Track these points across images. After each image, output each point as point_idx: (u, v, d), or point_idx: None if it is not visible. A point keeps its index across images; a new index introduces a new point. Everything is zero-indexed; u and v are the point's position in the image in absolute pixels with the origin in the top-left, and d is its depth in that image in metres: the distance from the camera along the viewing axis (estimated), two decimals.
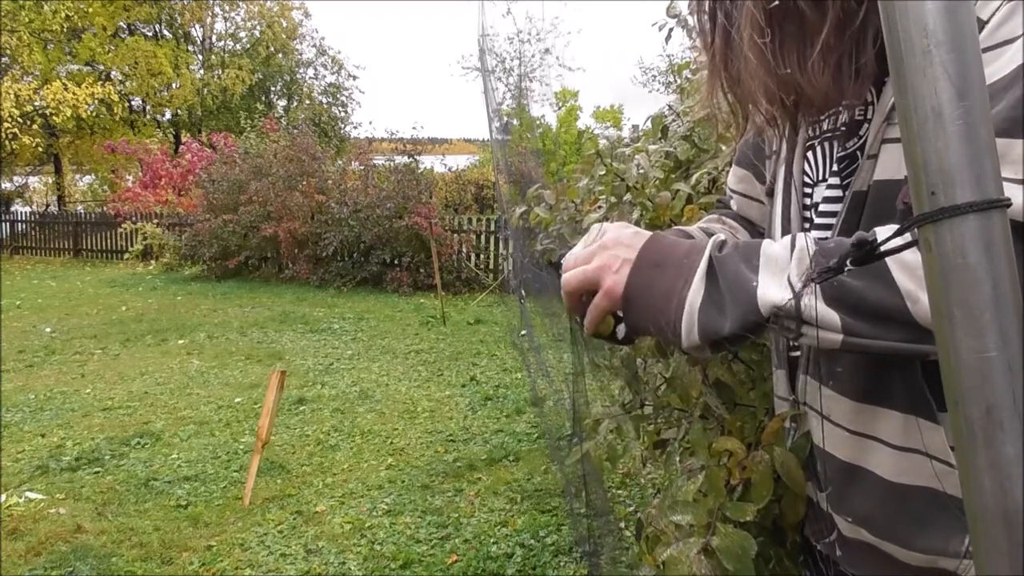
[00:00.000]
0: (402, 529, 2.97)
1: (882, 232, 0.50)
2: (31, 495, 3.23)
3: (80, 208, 17.62)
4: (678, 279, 0.64)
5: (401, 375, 5.32)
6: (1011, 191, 0.51)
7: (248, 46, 22.24)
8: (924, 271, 0.38)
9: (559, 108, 21.68)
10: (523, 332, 6.00)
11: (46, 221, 14.48)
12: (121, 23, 18.64)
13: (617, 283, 0.68)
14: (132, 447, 3.86)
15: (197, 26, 21.38)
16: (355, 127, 22.83)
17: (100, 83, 15.71)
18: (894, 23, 0.37)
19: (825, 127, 0.74)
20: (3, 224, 14.65)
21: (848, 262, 0.52)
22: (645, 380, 1.20)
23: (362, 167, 10.40)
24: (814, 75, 0.63)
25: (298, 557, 2.76)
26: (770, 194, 0.83)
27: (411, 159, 10.01)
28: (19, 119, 14.36)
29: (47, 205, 18.54)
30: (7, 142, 14.66)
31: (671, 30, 1.81)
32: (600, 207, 1.47)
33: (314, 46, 23.72)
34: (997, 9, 0.57)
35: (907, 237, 0.40)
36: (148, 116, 20.52)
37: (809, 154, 0.76)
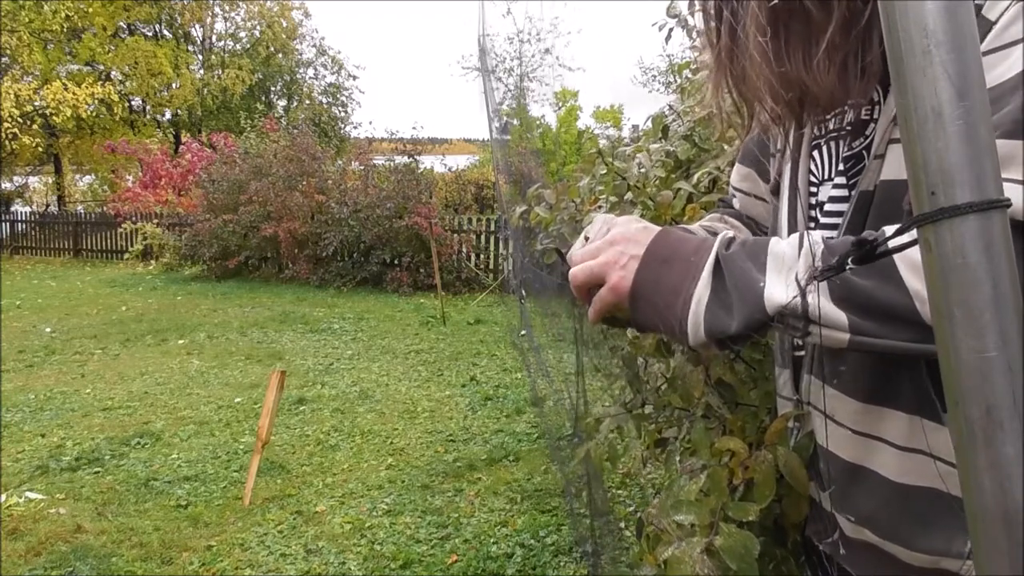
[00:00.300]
0: (402, 529, 2.97)
1: (887, 232, 0.50)
2: (31, 495, 3.23)
3: (80, 208, 17.62)
4: (685, 277, 0.64)
5: (401, 375, 5.32)
6: (1012, 191, 0.51)
7: (248, 46, 22.24)
8: (924, 271, 0.38)
9: (559, 108, 21.70)
10: (523, 332, 6.00)
11: (46, 221, 14.48)
12: (121, 23, 18.64)
13: (624, 279, 0.68)
14: (132, 447, 3.86)
15: (197, 26, 21.38)
16: (355, 127, 22.86)
17: (100, 83, 15.70)
18: (894, 23, 0.37)
19: (831, 126, 0.74)
20: (3, 224, 14.65)
21: (849, 261, 0.52)
22: (646, 379, 1.20)
23: (362, 167, 10.40)
24: (819, 74, 0.63)
25: (298, 557, 2.76)
26: (775, 193, 0.83)
27: (411, 159, 10.01)
28: (19, 119, 14.36)
29: (47, 205, 18.54)
30: (7, 142, 14.65)
31: (671, 30, 1.81)
32: (600, 206, 1.47)
33: (314, 46, 23.75)
34: (1005, 10, 0.56)
35: (908, 236, 0.40)
36: (148, 116, 20.52)
37: (815, 153, 0.76)
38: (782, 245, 0.62)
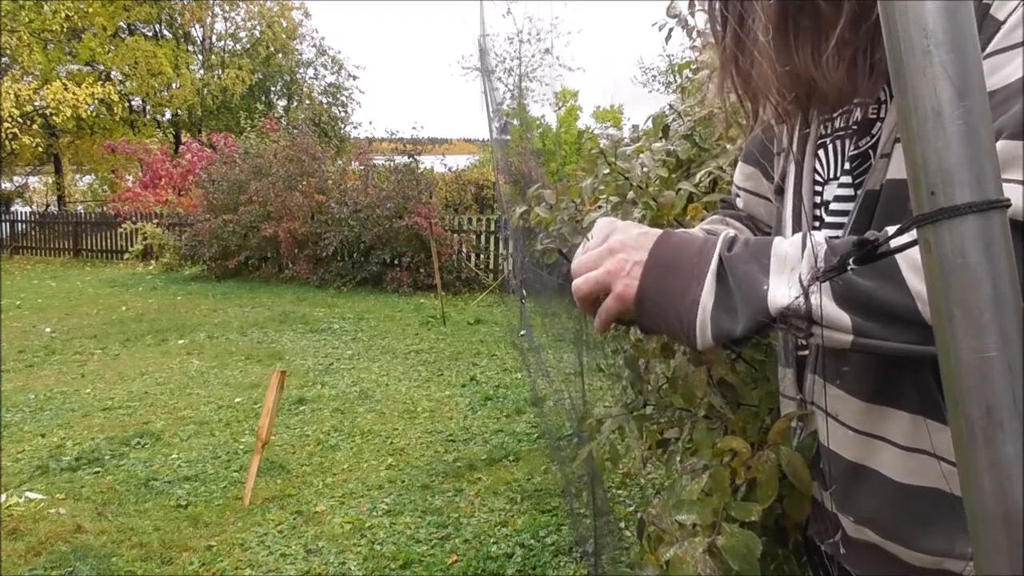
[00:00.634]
0: (402, 529, 2.97)
1: (888, 232, 0.50)
2: (31, 495, 3.23)
3: (80, 208, 17.62)
4: (690, 281, 0.64)
5: (401, 375, 5.32)
6: (1012, 192, 0.50)
7: (248, 46, 22.24)
8: (924, 271, 0.38)
9: (559, 108, 21.70)
10: (522, 332, 6.00)
11: (46, 221, 14.48)
12: (121, 23, 18.64)
13: (629, 287, 0.68)
14: (132, 447, 3.86)
15: (197, 26, 21.38)
16: (355, 127, 22.87)
17: (100, 83, 15.71)
18: (894, 23, 0.37)
19: (837, 125, 0.74)
20: (3, 224, 14.65)
21: (851, 261, 0.52)
22: (647, 380, 1.20)
23: (362, 167, 10.40)
24: (829, 70, 0.63)
25: (298, 557, 2.76)
26: (779, 192, 0.83)
27: (411, 159, 10.01)
28: (19, 119, 14.36)
29: (47, 205, 18.53)
30: (7, 142, 14.65)
31: (671, 30, 1.81)
32: (601, 206, 1.47)
33: (314, 46, 23.75)
34: (1014, 10, 0.56)
35: (908, 236, 0.40)
36: (148, 116, 20.52)
37: (820, 152, 0.75)
38: (785, 245, 0.62)
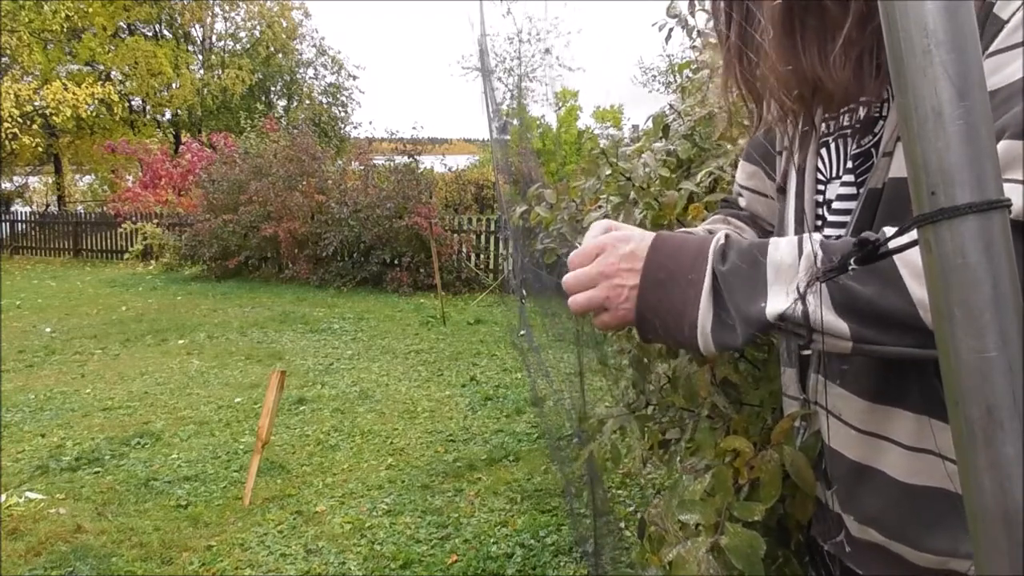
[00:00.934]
0: (402, 529, 2.97)
1: (888, 233, 0.50)
2: (31, 495, 3.23)
3: (80, 208, 17.61)
4: (686, 301, 0.65)
5: (401, 375, 5.32)
6: (1013, 192, 0.50)
7: (248, 46, 22.23)
8: (924, 271, 0.38)
9: (559, 108, 21.70)
10: (522, 332, 6.00)
11: (46, 221, 14.48)
12: (121, 23, 18.63)
13: (628, 312, 0.69)
14: (132, 447, 3.86)
15: (197, 26, 21.37)
16: (355, 127, 22.86)
17: (100, 83, 15.69)
18: (894, 23, 0.37)
19: (842, 122, 0.74)
20: (3, 224, 14.65)
21: (851, 262, 0.51)
22: (649, 380, 1.20)
23: (362, 167, 10.39)
24: (835, 69, 0.63)
25: (298, 557, 2.76)
26: (781, 191, 0.83)
27: (411, 159, 10.00)
28: (19, 119, 14.34)
29: (47, 205, 18.53)
30: (7, 142, 14.64)
31: (671, 30, 1.81)
32: (600, 206, 1.47)
33: (314, 46, 23.74)
34: (1017, 9, 0.56)
35: (910, 236, 0.40)
36: (148, 116, 20.51)
37: (822, 151, 0.75)
38: (781, 251, 0.62)
